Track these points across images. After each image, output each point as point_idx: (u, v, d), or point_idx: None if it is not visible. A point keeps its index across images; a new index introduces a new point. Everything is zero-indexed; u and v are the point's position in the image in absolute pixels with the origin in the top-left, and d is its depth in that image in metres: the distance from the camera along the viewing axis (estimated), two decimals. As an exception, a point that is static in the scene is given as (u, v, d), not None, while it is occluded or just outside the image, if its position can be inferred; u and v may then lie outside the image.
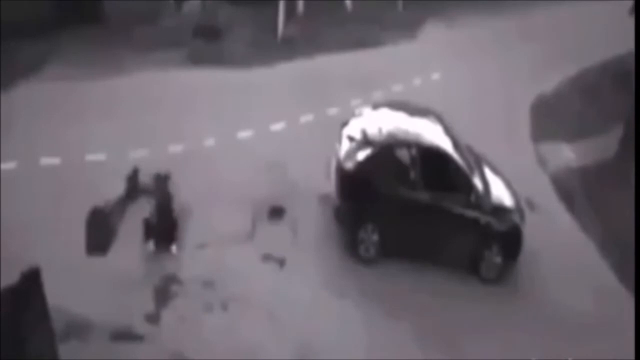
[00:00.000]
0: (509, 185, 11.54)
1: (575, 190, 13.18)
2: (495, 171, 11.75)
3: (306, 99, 14.71)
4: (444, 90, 15.40)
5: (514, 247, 10.96)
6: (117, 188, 11.53)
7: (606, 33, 17.44)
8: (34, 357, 7.58)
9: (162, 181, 11.28)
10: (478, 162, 11.61)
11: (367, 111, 11.82)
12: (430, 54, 17.17)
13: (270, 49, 16.64)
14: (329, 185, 11.25)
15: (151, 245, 10.81)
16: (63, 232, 10.77)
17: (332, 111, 14.34)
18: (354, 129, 11.31)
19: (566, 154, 14.18)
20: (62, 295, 8.72)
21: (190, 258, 10.84)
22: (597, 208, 12.71)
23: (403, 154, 10.90)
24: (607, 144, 13.94)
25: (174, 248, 10.89)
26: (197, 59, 15.82)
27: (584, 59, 16.90)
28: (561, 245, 11.65)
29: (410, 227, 10.86)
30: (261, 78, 15.51)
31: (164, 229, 10.87)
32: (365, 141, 10.94)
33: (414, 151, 10.79)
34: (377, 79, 15.59)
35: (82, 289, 9.91)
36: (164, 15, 17.60)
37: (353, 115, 11.96)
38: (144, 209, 11.33)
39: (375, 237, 10.98)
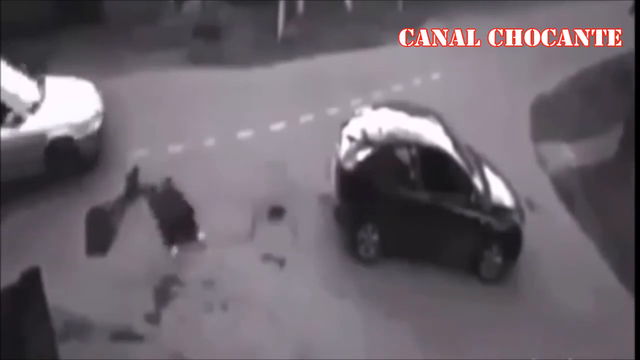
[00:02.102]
0: (509, 185, 11.54)
1: (575, 190, 13.18)
2: (495, 171, 11.75)
3: (306, 99, 14.70)
4: (444, 90, 15.40)
5: (514, 247, 10.97)
6: (117, 188, 11.54)
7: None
8: (34, 357, 7.58)
9: (167, 182, 11.43)
10: (478, 162, 11.61)
11: (367, 111, 11.82)
12: (430, 54, 17.17)
13: (270, 49, 16.62)
14: (329, 185, 11.26)
15: (175, 249, 10.88)
16: (63, 232, 10.77)
17: (332, 111, 14.33)
18: (354, 129, 11.31)
19: (566, 154, 14.17)
20: (62, 295, 8.73)
21: (190, 258, 10.85)
22: (597, 208, 12.71)
23: (403, 154, 10.90)
24: (607, 144, 13.94)
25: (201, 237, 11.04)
26: (197, 59, 15.81)
27: (584, 59, 16.90)
28: (561, 245, 11.65)
29: (410, 227, 10.86)
30: (261, 78, 15.50)
31: (183, 225, 10.99)
32: (365, 141, 10.94)
33: (414, 151, 10.79)
34: (377, 79, 15.58)
35: (82, 289, 9.92)
36: (164, 15, 17.59)
37: (353, 115, 11.96)
38: (144, 208, 11.35)
39: (375, 237, 10.99)
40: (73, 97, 11.73)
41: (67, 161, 11.21)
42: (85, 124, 11.42)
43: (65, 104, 11.47)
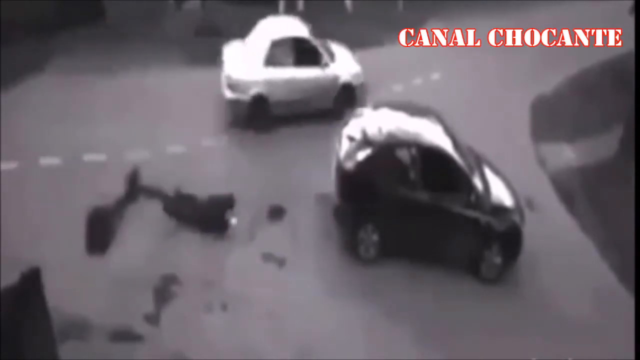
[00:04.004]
0: (509, 185, 11.53)
1: (575, 190, 13.17)
2: (495, 171, 11.74)
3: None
4: (444, 90, 15.41)
5: (514, 247, 10.96)
6: (117, 188, 11.53)
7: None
8: (34, 357, 7.57)
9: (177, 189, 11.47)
10: (478, 162, 11.61)
11: (367, 111, 11.82)
12: (430, 54, 17.17)
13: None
14: (329, 185, 11.25)
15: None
16: (63, 232, 10.78)
17: (332, 111, 14.33)
18: (354, 129, 11.31)
19: (566, 154, 14.17)
20: (62, 295, 8.72)
21: (190, 258, 10.85)
22: (597, 208, 12.70)
23: (403, 154, 10.90)
24: (607, 144, 13.93)
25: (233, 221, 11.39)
26: (197, 59, 15.82)
27: (584, 59, 16.90)
28: (561, 245, 11.64)
29: (410, 227, 10.86)
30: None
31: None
32: (365, 141, 10.94)
33: (414, 151, 10.79)
34: (377, 79, 15.59)
35: (82, 289, 9.92)
36: (164, 15, 17.62)
37: (353, 115, 11.96)
38: (143, 209, 11.34)
39: (375, 237, 10.98)
40: (347, 56, 15.08)
41: (347, 102, 14.15)
42: (357, 75, 14.64)
43: (345, 60, 14.86)
